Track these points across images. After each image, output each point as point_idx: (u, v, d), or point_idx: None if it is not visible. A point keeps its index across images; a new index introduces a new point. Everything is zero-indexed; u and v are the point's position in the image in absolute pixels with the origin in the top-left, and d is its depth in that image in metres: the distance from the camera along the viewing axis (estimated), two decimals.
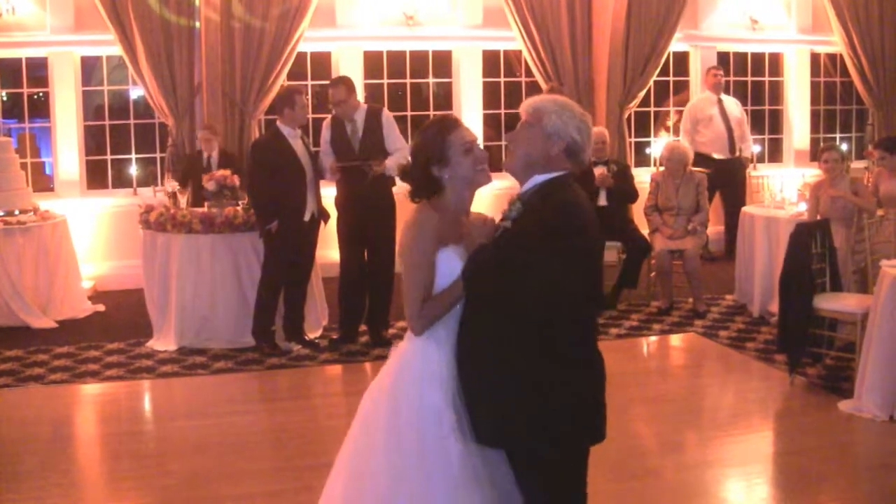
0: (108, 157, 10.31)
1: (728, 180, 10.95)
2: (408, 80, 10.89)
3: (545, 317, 3.05)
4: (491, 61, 11.05)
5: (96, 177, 10.30)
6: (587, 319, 3.20)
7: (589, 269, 3.17)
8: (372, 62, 10.66)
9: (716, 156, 10.90)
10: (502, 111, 11.03)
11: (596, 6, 10.79)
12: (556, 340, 3.06)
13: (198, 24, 9.68)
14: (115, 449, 5.77)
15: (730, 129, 10.98)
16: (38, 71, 10.03)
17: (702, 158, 10.82)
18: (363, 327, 7.85)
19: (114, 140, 10.28)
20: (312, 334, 7.89)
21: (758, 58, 12.12)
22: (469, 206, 3.35)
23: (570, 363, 3.08)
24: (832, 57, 12.35)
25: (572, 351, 3.10)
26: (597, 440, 3.21)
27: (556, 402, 3.05)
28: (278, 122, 7.43)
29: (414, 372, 3.22)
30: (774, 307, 7.56)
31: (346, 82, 7.54)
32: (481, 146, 3.37)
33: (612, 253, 9.36)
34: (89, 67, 10.33)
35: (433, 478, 3.13)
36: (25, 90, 10.08)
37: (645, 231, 9.14)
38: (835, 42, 11.97)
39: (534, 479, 3.15)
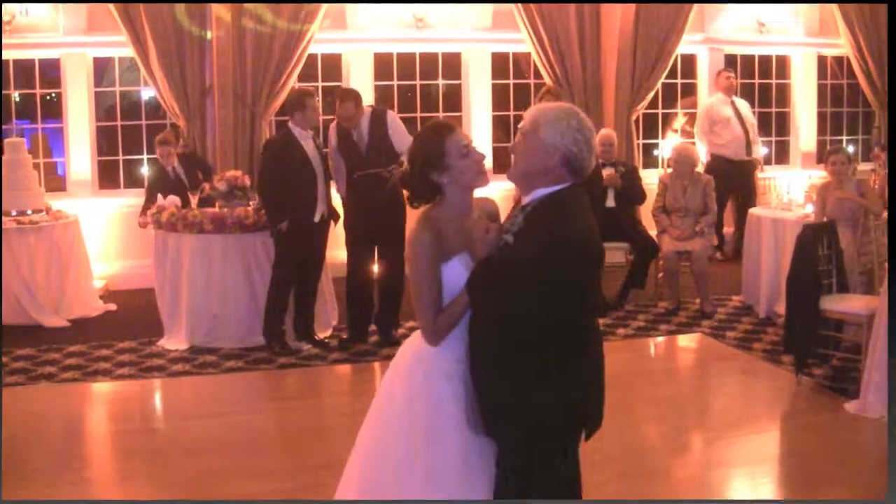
0: (120, 157, 10.37)
1: (743, 182, 10.97)
2: (417, 82, 10.93)
3: (539, 329, 3.06)
4: (500, 63, 11.10)
5: (108, 177, 10.36)
6: (583, 326, 3.20)
7: (584, 287, 3.14)
8: (382, 64, 10.72)
9: (732, 158, 10.91)
10: (511, 113, 11.03)
11: (604, 9, 10.82)
12: (550, 344, 3.07)
13: (209, 34, 9.73)
14: (126, 447, 5.81)
15: (746, 131, 11.00)
16: (51, 72, 10.10)
17: (717, 160, 10.83)
18: (373, 327, 7.89)
19: (125, 140, 10.34)
20: (322, 334, 7.93)
21: (765, 60, 12.13)
22: (470, 206, 3.35)
23: (562, 364, 3.09)
24: (839, 60, 12.34)
25: (566, 353, 3.10)
26: (580, 437, 3.26)
27: (543, 401, 3.07)
28: (290, 124, 7.47)
29: (426, 365, 3.28)
30: (781, 308, 7.58)
31: (355, 98, 7.55)
32: (489, 147, 3.41)
33: (620, 254, 9.44)
34: (101, 68, 10.39)
35: (439, 467, 3.21)
36: (38, 91, 10.15)
37: (653, 232, 9.17)
38: (841, 45, 11.97)
39: (511, 475, 3.16)
